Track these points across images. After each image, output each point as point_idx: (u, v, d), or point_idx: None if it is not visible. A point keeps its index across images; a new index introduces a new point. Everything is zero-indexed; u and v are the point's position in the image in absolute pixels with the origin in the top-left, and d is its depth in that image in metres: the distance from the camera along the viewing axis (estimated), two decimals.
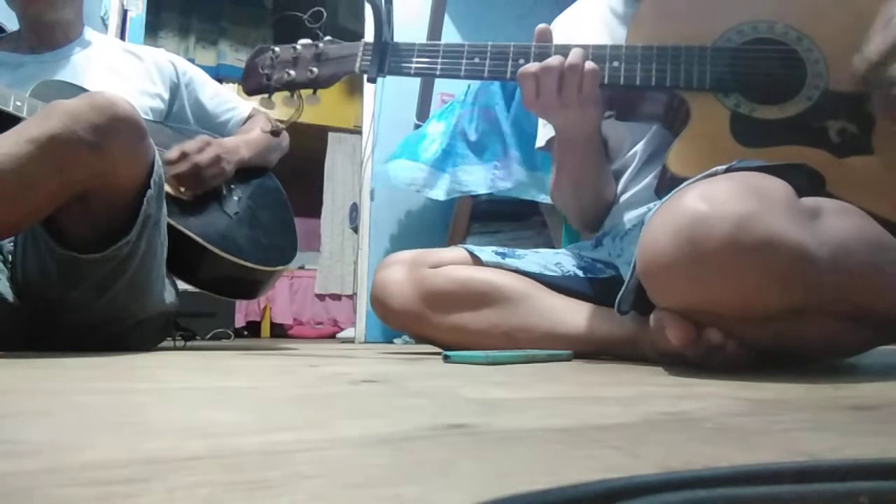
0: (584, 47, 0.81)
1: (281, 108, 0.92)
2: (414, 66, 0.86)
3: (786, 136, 0.76)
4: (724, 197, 0.53)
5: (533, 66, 0.80)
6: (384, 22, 0.84)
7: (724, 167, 0.62)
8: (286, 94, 0.87)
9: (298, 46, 0.87)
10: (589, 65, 0.79)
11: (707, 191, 0.55)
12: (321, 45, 0.87)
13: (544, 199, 1.78)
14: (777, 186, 0.55)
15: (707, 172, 0.62)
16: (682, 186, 0.60)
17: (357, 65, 0.85)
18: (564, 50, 0.81)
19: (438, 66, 0.85)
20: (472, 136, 1.78)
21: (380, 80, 0.88)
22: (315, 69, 0.86)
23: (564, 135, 0.91)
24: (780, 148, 0.75)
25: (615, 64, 0.80)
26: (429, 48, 0.86)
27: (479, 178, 1.76)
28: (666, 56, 0.79)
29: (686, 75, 0.78)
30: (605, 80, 0.80)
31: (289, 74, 0.86)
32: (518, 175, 1.72)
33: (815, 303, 0.53)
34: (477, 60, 0.84)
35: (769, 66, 0.79)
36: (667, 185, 0.77)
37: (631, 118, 0.89)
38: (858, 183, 0.72)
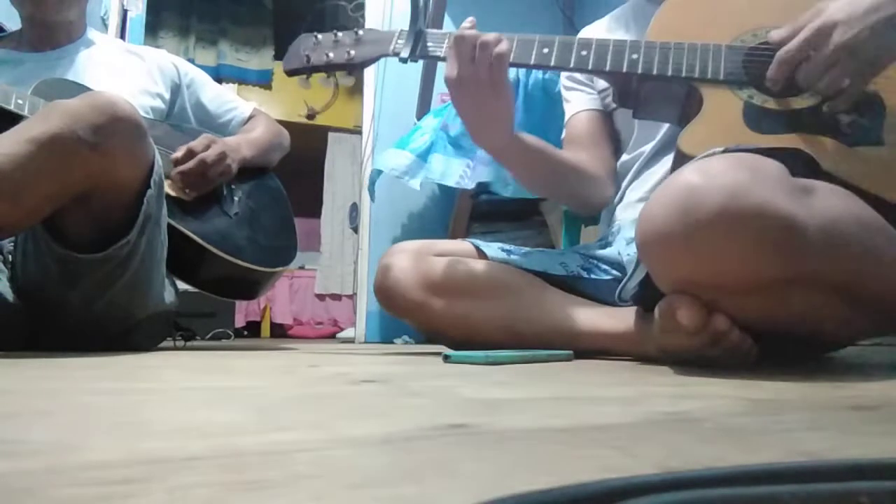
0: (607, 41, 0.85)
1: (317, 89, 0.94)
2: (445, 51, 0.89)
3: (798, 124, 0.78)
4: (717, 170, 0.56)
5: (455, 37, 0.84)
6: (420, 11, 0.88)
7: (721, 149, 0.64)
8: (323, 75, 0.93)
9: (339, 34, 0.93)
10: (502, 45, 0.83)
11: (702, 165, 0.57)
12: (360, 31, 0.92)
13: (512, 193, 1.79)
14: (770, 164, 0.57)
15: (705, 153, 0.64)
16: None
17: (391, 47, 0.89)
18: (587, 43, 0.85)
19: None
20: (454, 131, 1.79)
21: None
22: (352, 51, 0.91)
23: (487, 144, 0.94)
24: (791, 135, 0.77)
25: (634, 56, 0.84)
26: None
27: (448, 171, 1.77)
28: (682, 51, 0.83)
29: (701, 66, 0.82)
30: (625, 69, 0.84)
31: (327, 56, 0.91)
32: (483, 175, 1.73)
33: (804, 272, 0.55)
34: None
35: None
36: (678, 165, 0.78)
37: (646, 115, 0.92)
38: (868, 171, 0.74)
